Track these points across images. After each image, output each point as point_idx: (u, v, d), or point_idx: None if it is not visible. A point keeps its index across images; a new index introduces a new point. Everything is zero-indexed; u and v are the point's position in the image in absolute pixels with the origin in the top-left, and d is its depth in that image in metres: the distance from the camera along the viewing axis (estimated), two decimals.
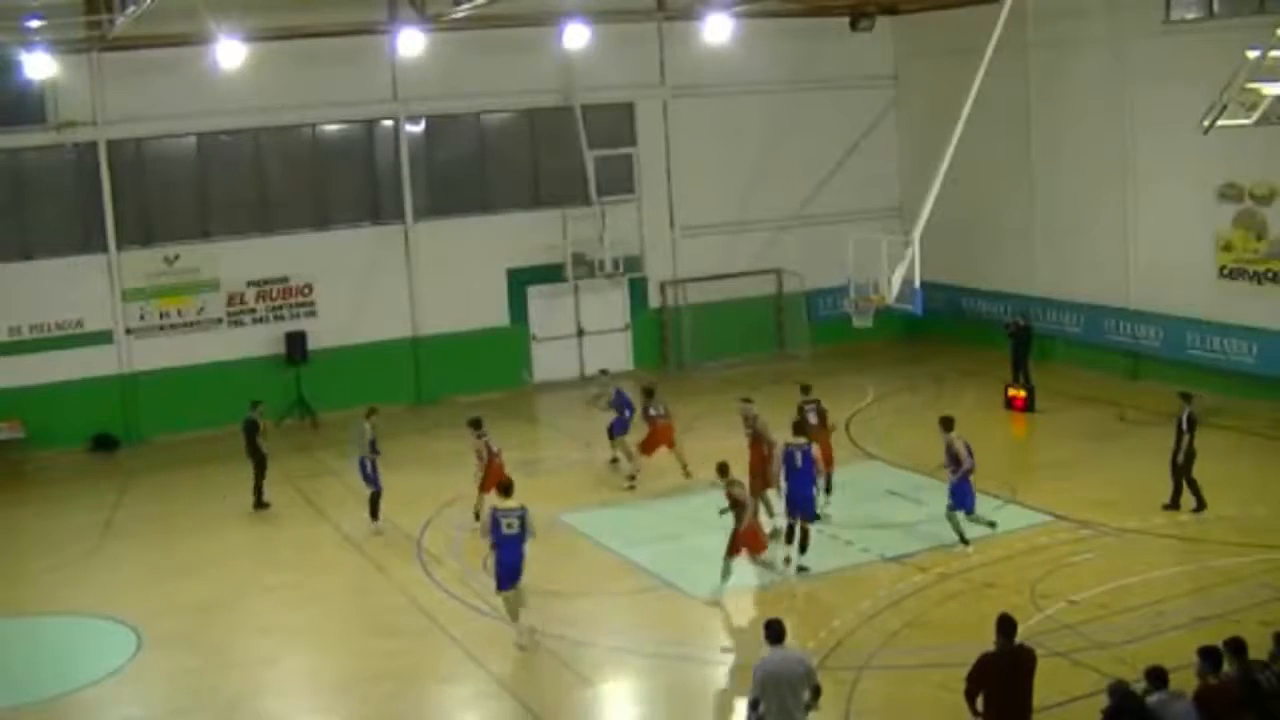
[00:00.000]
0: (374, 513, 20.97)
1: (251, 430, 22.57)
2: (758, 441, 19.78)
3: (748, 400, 20.60)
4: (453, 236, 29.59)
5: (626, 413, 23.34)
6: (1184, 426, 19.31)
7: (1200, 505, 19.29)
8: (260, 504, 22.57)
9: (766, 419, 20.14)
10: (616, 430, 23.32)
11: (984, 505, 20.32)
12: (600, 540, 19.71)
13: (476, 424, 20.96)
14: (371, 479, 20.97)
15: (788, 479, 18.19)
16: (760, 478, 19.27)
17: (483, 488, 20.32)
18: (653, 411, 22.64)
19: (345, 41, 27.60)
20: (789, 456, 18.20)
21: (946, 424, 18.89)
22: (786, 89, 31.91)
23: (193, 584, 19.08)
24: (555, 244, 30.04)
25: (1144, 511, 19.37)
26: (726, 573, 17.46)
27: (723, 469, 17.75)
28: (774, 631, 11.78)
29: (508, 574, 16.12)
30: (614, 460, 23.50)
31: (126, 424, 27.43)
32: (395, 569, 19.29)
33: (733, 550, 17.45)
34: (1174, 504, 19.43)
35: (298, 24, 26.71)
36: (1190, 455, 19.28)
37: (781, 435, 18.86)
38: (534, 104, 30.14)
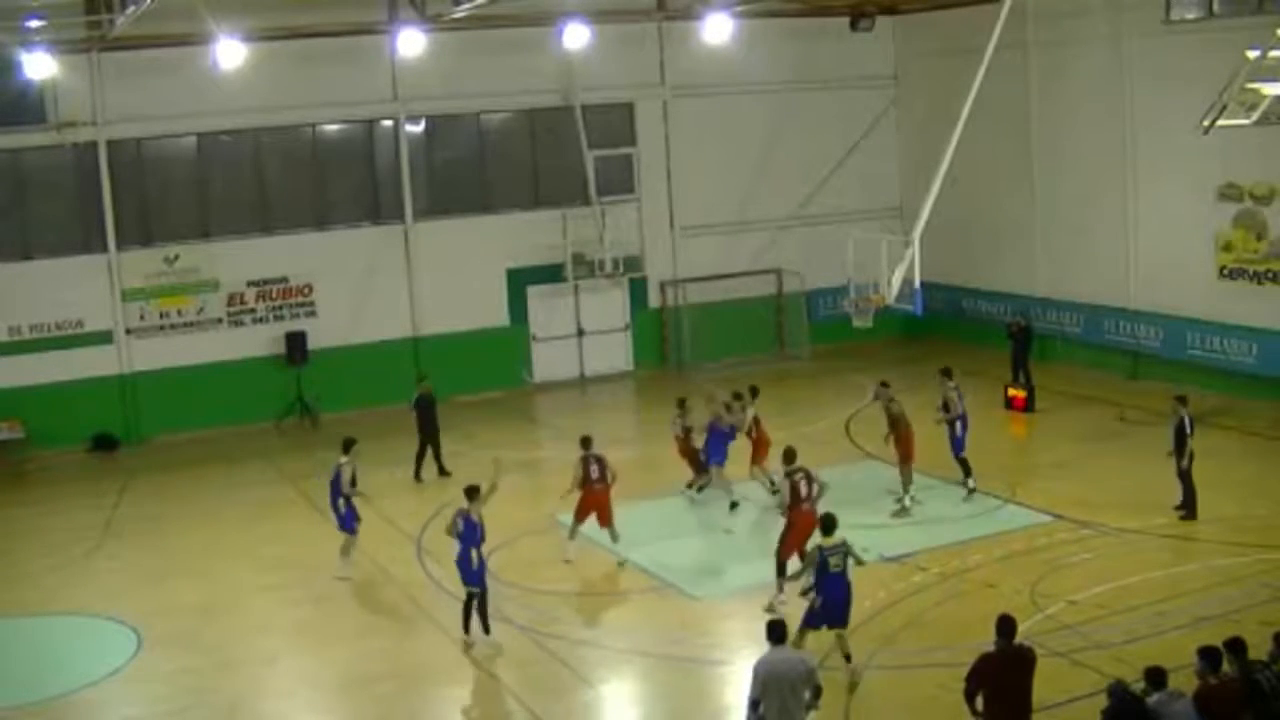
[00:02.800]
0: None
1: (428, 405, 23.45)
2: (896, 423, 20.56)
3: (885, 384, 21.29)
4: (453, 236, 29.59)
5: (726, 437, 20.95)
6: (1187, 429, 19.04)
7: (1189, 509, 19.12)
8: (443, 472, 23.43)
9: (902, 402, 21.06)
10: (717, 458, 21.03)
11: (984, 504, 20.42)
12: (600, 540, 19.69)
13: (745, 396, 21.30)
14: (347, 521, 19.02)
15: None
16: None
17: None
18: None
19: (345, 41, 27.60)
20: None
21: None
22: (786, 89, 31.91)
23: (193, 584, 19.09)
24: (555, 244, 30.05)
25: (1144, 511, 19.36)
26: (573, 533, 19.11)
27: (585, 441, 19.23)
28: (775, 631, 11.81)
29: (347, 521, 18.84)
30: (734, 505, 20.95)
31: (126, 424, 27.42)
32: (395, 569, 19.29)
33: (578, 515, 19.04)
34: (1190, 511, 19.13)
35: (298, 24, 26.72)
36: (1190, 458, 19.09)
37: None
38: (534, 104, 30.15)
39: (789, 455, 17.53)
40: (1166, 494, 19.57)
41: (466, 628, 16.29)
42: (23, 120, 26.23)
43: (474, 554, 16.10)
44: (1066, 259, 29.20)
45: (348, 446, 18.98)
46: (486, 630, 16.21)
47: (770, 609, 16.48)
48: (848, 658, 14.78)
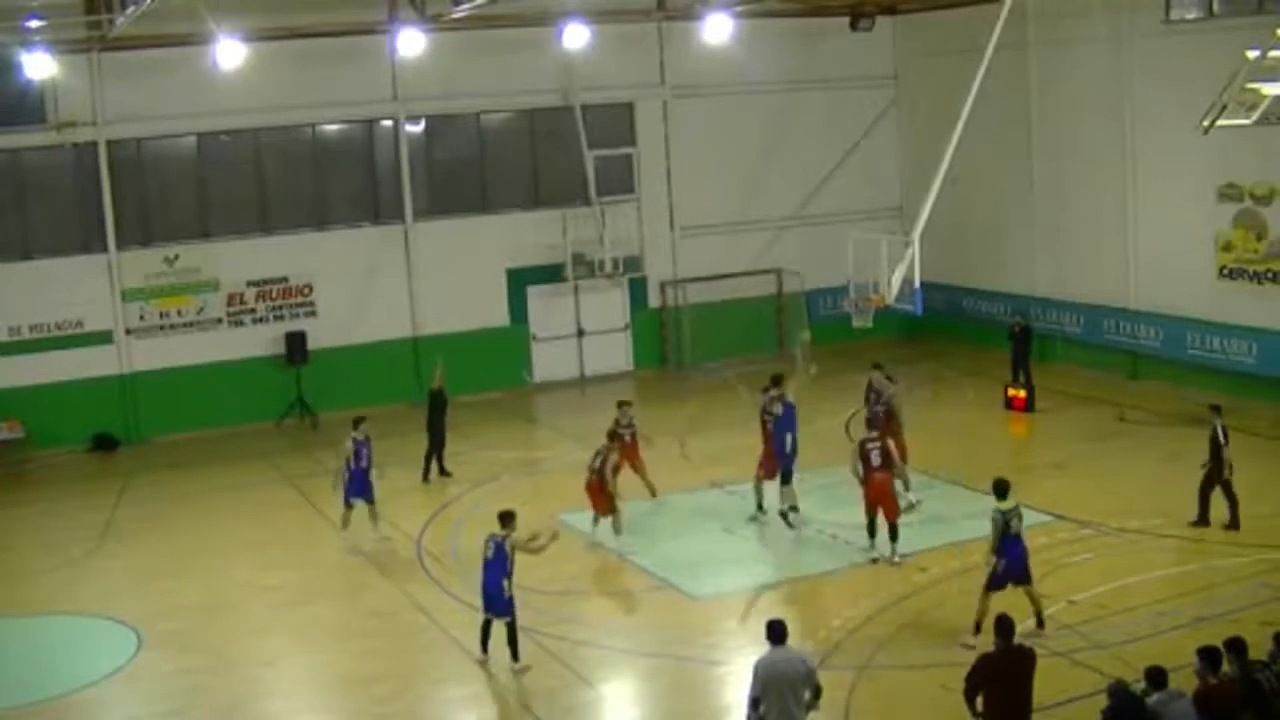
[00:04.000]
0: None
1: (438, 404, 23.29)
2: (892, 419, 20.70)
3: (890, 379, 21.31)
4: (453, 236, 29.59)
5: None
6: (1221, 439, 18.61)
7: (1203, 520, 18.80)
8: (444, 472, 23.49)
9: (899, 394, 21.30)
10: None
11: (983, 505, 20.35)
12: (601, 540, 19.69)
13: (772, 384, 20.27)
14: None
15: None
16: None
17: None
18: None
19: (345, 41, 27.59)
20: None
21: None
22: (786, 89, 31.90)
23: (193, 584, 19.09)
24: (555, 244, 30.06)
25: (1144, 512, 19.36)
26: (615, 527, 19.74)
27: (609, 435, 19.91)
28: (776, 631, 11.81)
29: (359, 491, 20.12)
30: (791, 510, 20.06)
31: (126, 424, 27.42)
32: (395, 569, 19.29)
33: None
34: (1233, 522, 18.70)
35: (298, 24, 26.72)
36: (1220, 467, 18.65)
37: None
38: (534, 104, 30.14)
39: (872, 424, 18.97)
40: (1166, 494, 19.58)
41: (485, 647, 15.81)
42: (23, 120, 26.22)
43: (505, 583, 15.43)
44: (1066, 259, 29.19)
45: (357, 423, 20.37)
46: (515, 657, 15.58)
47: (893, 564, 18.04)
48: (1038, 613, 15.40)
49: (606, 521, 19.69)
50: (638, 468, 21.06)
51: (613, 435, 20.04)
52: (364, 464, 20.17)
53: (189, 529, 21.75)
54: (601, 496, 19.61)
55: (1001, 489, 15.49)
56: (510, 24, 27.76)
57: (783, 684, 11.55)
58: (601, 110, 30.62)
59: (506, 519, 15.76)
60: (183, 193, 28.11)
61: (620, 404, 21.62)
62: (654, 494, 21.11)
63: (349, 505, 20.22)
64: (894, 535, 18.25)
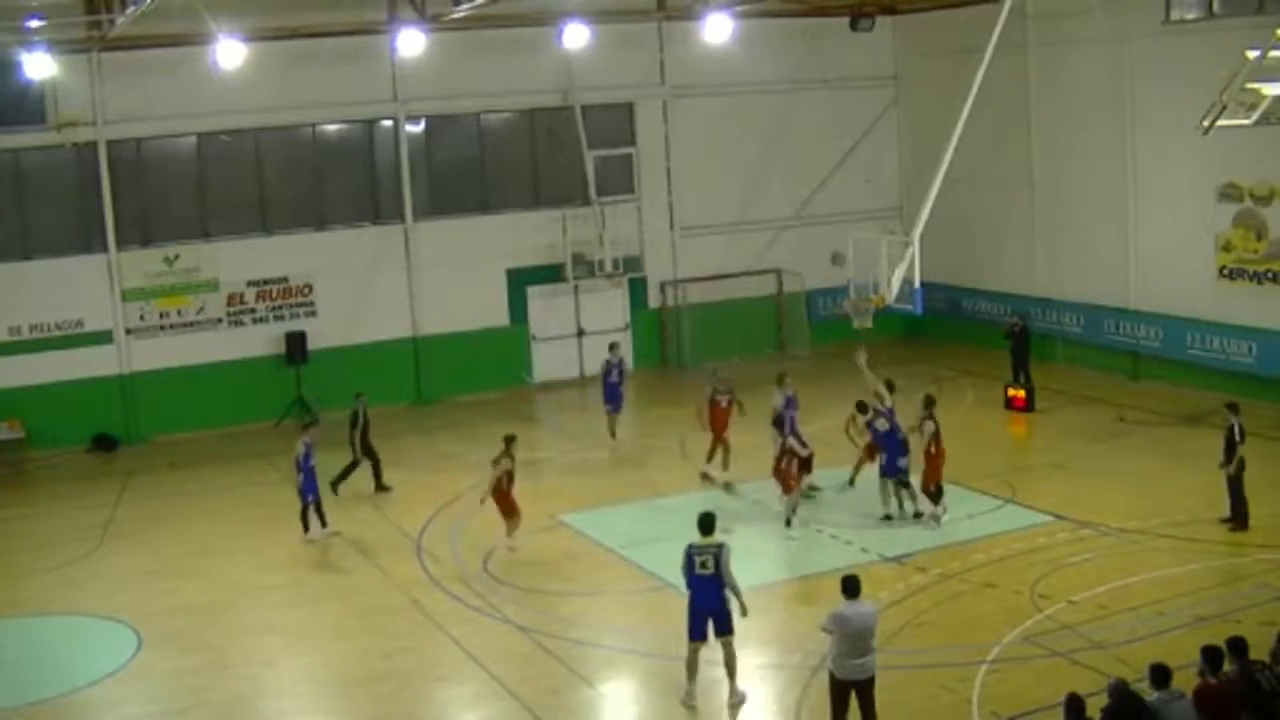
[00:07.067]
0: (307, 523, 20.77)
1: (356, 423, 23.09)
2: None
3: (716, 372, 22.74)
4: (453, 236, 29.59)
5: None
6: (1237, 438, 18.62)
7: (1239, 520, 18.67)
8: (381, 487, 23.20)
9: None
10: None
11: (983, 505, 20.40)
12: (600, 540, 19.69)
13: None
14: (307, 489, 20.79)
15: None
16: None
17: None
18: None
19: (345, 41, 27.60)
20: None
21: None
22: (786, 89, 31.93)
23: (193, 584, 19.09)
24: (555, 244, 30.06)
25: (1144, 511, 19.37)
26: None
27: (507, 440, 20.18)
28: (851, 587, 13.00)
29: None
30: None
31: (126, 424, 27.42)
32: (395, 569, 19.29)
33: None
34: (1241, 522, 18.63)
35: (298, 24, 26.72)
36: (1241, 466, 18.67)
37: None
38: (534, 104, 30.15)
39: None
40: (1166, 495, 19.56)
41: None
42: (23, 120, 26.23)
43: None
44: (1066, 259, 29.20)
45: (307, 426, 21.69)
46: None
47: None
48: None
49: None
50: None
51: (778, 421, 20.47)
52: (312, 463, 20.74)
53: (189, 529, 21.76)
54: (790, 473, 20.04)
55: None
56: (510, 24, 27.76)
57: (863, 631, 12.88)
58: (601, 110, 30.64)
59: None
60: (183, 193, 28.11)
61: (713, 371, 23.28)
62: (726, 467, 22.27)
63: (307, 504, 20.70)
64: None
